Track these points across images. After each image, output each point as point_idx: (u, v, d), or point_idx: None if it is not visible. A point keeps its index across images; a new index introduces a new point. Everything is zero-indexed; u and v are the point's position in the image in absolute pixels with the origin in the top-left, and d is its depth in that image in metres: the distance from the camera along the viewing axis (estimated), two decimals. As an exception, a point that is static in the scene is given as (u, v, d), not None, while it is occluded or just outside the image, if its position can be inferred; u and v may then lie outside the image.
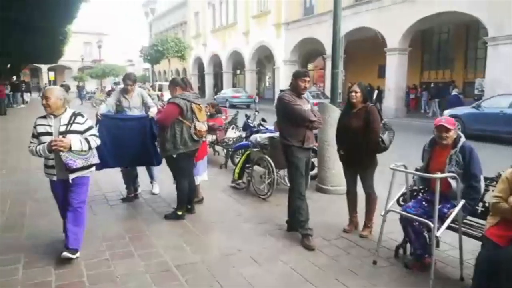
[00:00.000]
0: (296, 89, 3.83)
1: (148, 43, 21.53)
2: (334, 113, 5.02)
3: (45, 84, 41.79)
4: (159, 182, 5.42)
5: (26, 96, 25.15)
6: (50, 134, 3.28)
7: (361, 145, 3.76)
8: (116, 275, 3.13)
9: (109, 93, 21.01)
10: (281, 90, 4.27)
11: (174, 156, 4.27)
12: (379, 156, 3.92)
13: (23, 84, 25.84)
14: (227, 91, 27.01)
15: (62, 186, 3.41)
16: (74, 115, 3.38)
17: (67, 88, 25.20)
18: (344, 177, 4.22)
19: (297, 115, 3.75)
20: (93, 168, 3.50)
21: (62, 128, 3.29)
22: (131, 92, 5.00)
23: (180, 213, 4.42)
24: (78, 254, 3.33)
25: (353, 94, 3.83)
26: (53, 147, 3.17)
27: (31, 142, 3.34)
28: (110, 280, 3.05)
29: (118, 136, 4.60)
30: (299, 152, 3.81)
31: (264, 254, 3.51)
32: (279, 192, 5.27)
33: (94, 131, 3.50)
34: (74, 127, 3.33)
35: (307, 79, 3.87)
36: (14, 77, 27.87)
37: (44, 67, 44.76)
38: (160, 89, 22.63)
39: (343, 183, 4.92)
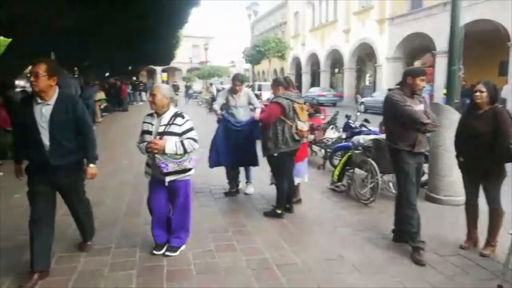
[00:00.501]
0: (411, 88, 3.52)
1: (249, 44, 22.32)
2: (452, 115, 4.53)
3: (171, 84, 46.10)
4: (259, 181, 5.53)
5: (143, 95, 28.11)
6: (150, 133, 3.28)
7: (487, 152, 3.30)
8: (220, 267, 3.26)
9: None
10: (389, 89, 3.98)
11: (276, 155, 4.31)
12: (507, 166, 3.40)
13: (141, 84, 29.01)
14: (314, 90, 27.26)
15: (157, 186, 3.37)
16: (175, 115, 3.26)
17: (176, 88, 27.48)
18: (462, 187, 3.76)
19: (407, 117, 3.45)
20: (192, 171, 3.38)
21: (161, 129, 3.23)
22: (238, 92, 5.24)
23: (279, 211, 4.44)
24: (182, 247, 3.52)
25: (478, 94, 3.38)
26: (148, 149, 3.16)
27: (139, 138, 3.40)
28: (215, 272, 3.20)
29: (230, 137, 5.01)
30: (409, 158, 3.51)
31: (368, 264, 3.32)
32: (383, 198, 4.97)
33: (193, 133, 3.30)
34: (172, 128, 3.22)
35: (425, 77, 3.55)
36: (134, 78, 31.41)
37: (158, 69, 49.56)
38: (260, 89, 23.29)
39: (458, 193, 4.44)
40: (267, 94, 20.13)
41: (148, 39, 14.86)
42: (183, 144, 3.19)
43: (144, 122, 3.38)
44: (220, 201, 5.13)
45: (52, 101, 2.97)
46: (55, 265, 3.24)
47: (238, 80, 5.26)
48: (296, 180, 4.80)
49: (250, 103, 5.35)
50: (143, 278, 3.09)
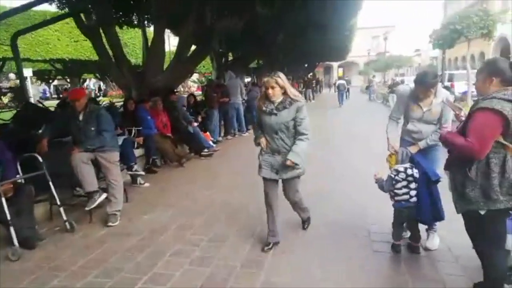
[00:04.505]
0: None
1: (440, 25, 18.20)
2: None
3: (335, 80, 45.05)
4: (447, 228, 3.51)
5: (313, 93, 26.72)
6: None
7: None
8: None
9: (391, 87, 19.46)
10: None
11: (483, 213, 2.34)
12: None
13: (314, 82, 28.32)
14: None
15: None
16: None
17: (348, 83, 24.95)
18: None
19: None
20: None
21: None
22: (426, 99, 3.25)
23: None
24: None
25: None
26: None
27: None
28: None
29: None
30: None
31: None
32: None
33: None
34: None
35: None
36: (310, 75, 31.11)
37: (335, 65, 48.49)
38: (451, 79, 19.16)
39: None
40: (461, 86, 16.23)
41: (323, 33, 13.92)
42: None
43: None
44: (380, 256, 3.38)
45: None
46: None
47: (426, 85, 3.14)
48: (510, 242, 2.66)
49: (442, 118, 3.26)
50: None
